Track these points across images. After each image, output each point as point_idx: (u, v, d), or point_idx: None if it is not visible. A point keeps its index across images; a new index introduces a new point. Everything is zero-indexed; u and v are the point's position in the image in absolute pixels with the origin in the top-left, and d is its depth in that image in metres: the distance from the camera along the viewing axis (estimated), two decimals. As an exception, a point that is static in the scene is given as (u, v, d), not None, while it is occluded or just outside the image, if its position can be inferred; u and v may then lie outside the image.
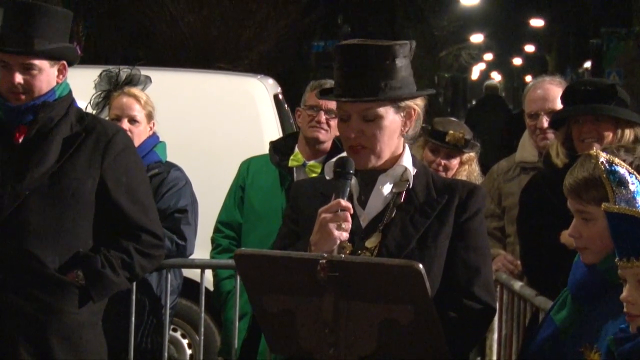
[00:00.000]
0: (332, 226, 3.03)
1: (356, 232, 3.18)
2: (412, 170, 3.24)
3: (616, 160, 2.75)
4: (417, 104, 3.23)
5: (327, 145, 5.04)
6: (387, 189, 3.22)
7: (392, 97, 3.15)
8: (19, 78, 4.05)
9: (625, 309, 2.68)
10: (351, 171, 3.12)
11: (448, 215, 3.20)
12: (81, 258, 4.06)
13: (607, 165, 2.73)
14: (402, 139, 3.25)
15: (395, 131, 3.21)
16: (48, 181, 4.03)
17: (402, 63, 3.16)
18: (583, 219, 3.03)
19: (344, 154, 3.26)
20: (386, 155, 3.21)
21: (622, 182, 2.70)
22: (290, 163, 5.01)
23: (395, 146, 3.23)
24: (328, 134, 5.00)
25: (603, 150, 3.02)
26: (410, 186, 3.22)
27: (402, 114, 3.21)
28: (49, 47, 4.07)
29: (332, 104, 4.89)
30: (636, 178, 2.70)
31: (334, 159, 3.28)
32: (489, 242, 3.33)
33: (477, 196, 3.24)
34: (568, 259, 4.16)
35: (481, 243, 3.24)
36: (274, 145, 5.16)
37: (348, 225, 3.05)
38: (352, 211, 3.08)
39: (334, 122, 4.99)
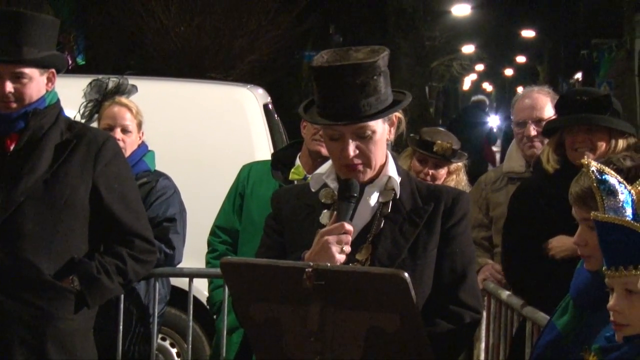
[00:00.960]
0: (335, 249, 3.03)
1: None
2: (397, 179, 3.24)
3: (607, 169, 2.76)
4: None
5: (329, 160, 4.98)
6: (373, 199, 3.22)
7: (386, 113, 3.14)
8: (9, 87, 4.07)
9: (612, 318, 2.69)
10: (355, 194, 3.12)
11: (435, 223, 3.21)
12: (76, 264, 4.09)
13: (597, 174, 2.74)
14: (386, 147, 3.26)
15: (384, 142, 3.22)
16: (42, 188, 4.05)
17: (385, 74, 3.15)
18: (589, 227, 3.04)
19: (324, 168, 3.26)
20: (378, 166, 3.22)
21: (611, 192, 2.71)
22: (291, 176, 4.94)
23: (382, 155, 3.24)
24: None
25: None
26: (397, 196, 3.23)
27: (387, 124, 3.22)
28: (40, 56, 4.10)
29: None
30: (625, 188, 2.71)
31: (319, 171, 3.27)
32: (474, 246, 3.34)
33: (462, 202, 3.25)
34: (551, 268, 4.19)
35: (466, 248, 3.25)
36: (275, 157, 5.10)
37: (348, 248, 3.06)
38: (351, 233, 3.08)
39: None
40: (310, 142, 4.89)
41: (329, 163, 3.28)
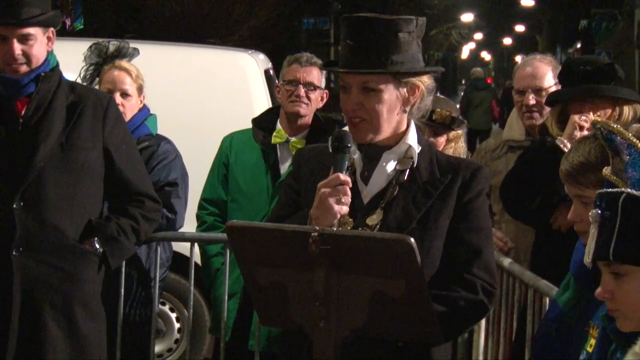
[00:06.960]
0: (332, 200, 3.02)
1: (358, 208, 3.17)
2: (417, 148, 3.22)
3: (616, 129, 2.72)
4: (423, 81, 3.20)
5: (308, 119, 5.04)
6: (390, 166, 3.21)
7: (391, 71, 3.12)
8: (18, 49, 4.10)
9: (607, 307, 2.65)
10: (349, 145, 3.10)
11: (451, 195, 3.18)
12: (95, 226, 4.18)
13: (604, 131, 2.71)
14: (405, 115, 3.22)
15: (396, 106, 3.18)
16: (59, 152, 4.11)
17: (407, 38, 3.13)
18: (582, 202, 3.03)
19: (346, 128, 3.25)
20: (386, 130, 3.19)
21: (616, 151, 2.68)
22: (274, 140, 5.02)
23: (397, 122, 3.21)
24: (308, 107, 5.01)
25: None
26: (415, 165, 3.21)
27: (404, 89, 3.18)
28: (44, 17, 4.11)
29: (311, 77, 4.92)
30: (635, 150, 2.67)
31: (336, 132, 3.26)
32: (490, 222, 3.28)
33: (480, 176, 3.22)
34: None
35: (483, 224, 3.21)
36: (256, 122, 5.16)
37: (347, 199, 3.04)
38: (350, 185, 3.06)
39: (313, 95, 5.00)
40: (287, 105, 5.00)
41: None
